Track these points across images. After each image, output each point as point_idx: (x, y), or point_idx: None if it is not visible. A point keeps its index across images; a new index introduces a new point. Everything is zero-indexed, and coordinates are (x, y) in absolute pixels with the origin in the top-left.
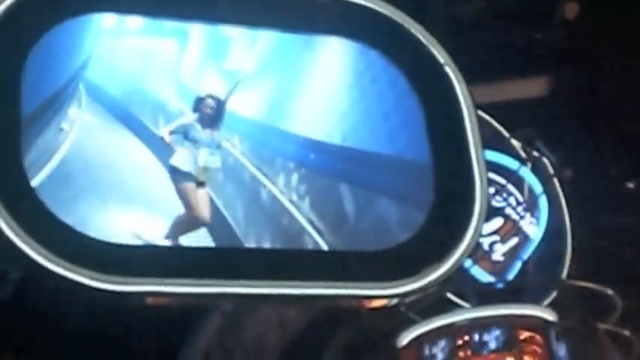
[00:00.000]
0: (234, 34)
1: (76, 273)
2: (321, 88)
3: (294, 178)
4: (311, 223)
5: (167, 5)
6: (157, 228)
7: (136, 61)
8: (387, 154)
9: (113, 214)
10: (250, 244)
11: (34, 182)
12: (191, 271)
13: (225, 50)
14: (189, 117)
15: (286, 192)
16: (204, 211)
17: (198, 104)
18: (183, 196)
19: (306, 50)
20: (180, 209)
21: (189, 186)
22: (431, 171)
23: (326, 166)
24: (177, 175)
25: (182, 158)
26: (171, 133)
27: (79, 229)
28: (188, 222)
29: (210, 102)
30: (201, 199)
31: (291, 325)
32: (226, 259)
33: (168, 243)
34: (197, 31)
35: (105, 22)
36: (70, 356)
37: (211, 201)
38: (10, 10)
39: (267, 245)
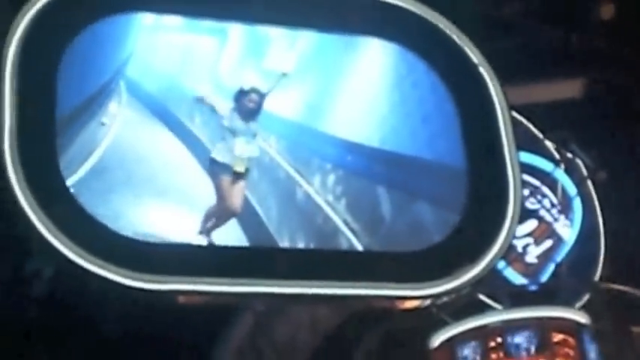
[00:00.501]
0: (274, 33)
1: (110, 271)
2: (360, 90)
3: (331, 179)
4: (346, 223)
5: (206, 5)
6: (189, 222)
7: (174, 58)
8: (425, 157)
9: (146, 207)
10: (283, 242)
11: (73, 178)
12: (224, 270)
13: (264, 49)
14: (226, 105)
15: (322, 192)
16: (237, 202)
17: (240, 97)
18: (219, 188)
19: (346, 52)
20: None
21: (226, 179)
22: (465, 173)
23: (363, 168)
24: (215, 167)
25: (221, 151)
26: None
27: (112, 222)
28: (219, 213)
29: (254, 96)
30: (236, 191)
31: (323, 326)
32: (260, 259)
33: (202, 239)
34: (236, 29)
35: (145, 19)
36: (102, 353)
37: (246, 198)
38: (44, 10)
39: (300, 244)
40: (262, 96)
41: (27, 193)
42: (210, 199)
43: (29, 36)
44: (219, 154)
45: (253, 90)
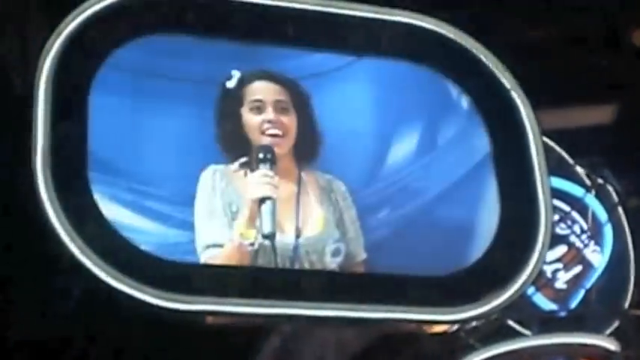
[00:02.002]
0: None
1: (139, 290)
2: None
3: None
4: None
5: (235, 28)
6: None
7: None
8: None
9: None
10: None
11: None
12: (252, 291)
13: None
14: None
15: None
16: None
17: None
18: None
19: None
20: None
21: None
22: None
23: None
24: None
25: None
26: None
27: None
28: None
29: None
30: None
31: (349, 349)
32: (287, 280)
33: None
34: None
35: None
36: None
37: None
38: (80, 28)
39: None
40: None
41: (58, 212)
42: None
43: (64, 55)
44: None
45: None
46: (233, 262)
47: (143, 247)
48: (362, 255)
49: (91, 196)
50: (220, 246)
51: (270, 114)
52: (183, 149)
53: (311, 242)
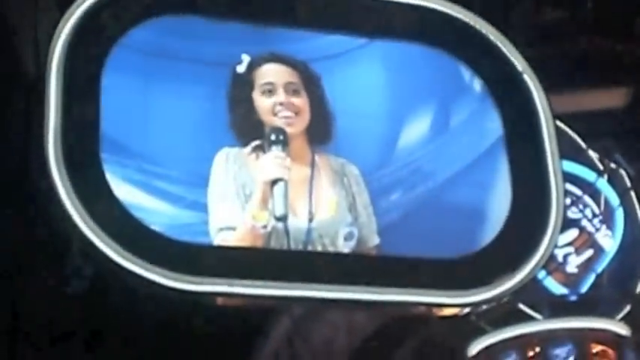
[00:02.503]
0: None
1: (149, 271)
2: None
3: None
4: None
5: (248, 10)
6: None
7: None
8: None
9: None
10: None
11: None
12: (263, 272)
13: None
14: None
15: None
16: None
17: None
18: None
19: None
20: None
21: None
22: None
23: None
24: None
25: None
26: None
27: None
28: None
29: None
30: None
31: (360, 331)
32: (298, 262)
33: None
34: None
35: None
36: (140, 353)
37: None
38: (91, 11)
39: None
40: None
41: (70, 192)
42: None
43: (75, 37)
44: None
45: None
46: (246, 244)
47: (154, 228)
48: (375, 240)
49: (103, 177)
50: (233, 229)
51: (281, 96)
52: (195, 130)
53: (324, 226)
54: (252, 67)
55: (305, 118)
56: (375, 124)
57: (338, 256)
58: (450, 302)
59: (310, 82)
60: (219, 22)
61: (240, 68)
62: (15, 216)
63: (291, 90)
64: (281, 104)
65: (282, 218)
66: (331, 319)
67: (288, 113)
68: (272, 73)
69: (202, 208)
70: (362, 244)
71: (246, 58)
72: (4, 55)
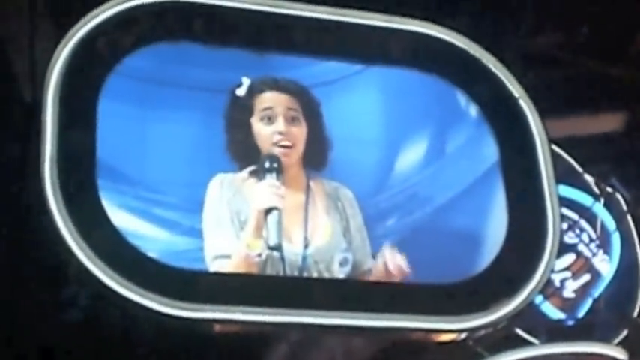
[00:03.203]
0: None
1: (147, 298)
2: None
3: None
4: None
5: (243, 36)
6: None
7: None
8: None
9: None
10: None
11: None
12: (260, 299)
13: None
14: None
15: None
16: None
17: None
18: None
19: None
20: None
21: None
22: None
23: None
24: None
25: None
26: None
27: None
28: None
29: None
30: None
31: (357, 357)
32: (295, 288)
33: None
34: None
35: None
36: None
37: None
38: (88, 38)
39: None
40: None
41: (66, 218)
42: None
43: (72, 63)
44: None
45: None
46: (241, 272)
47: (150, 254)
48: (368, 263)
49: (99, 204)
50: (228, 256)
51: (280, 125)
52: (191, 157)
53: (319, 252)
54: (252, 92)
55: (300, 148)
56: (371, 149)
57: (335, 282)
58: (447, 327)
59: (310, 109)
60: (216, 48)
61: (240, 91)
62: (10, 242)
63: (290, 118)
64: (280, 133)
65: (276, 247)
66: (328, 345)
67: (287, 143)
68: (272, 100)
69: (198, 234)
70: (356, 268)
71: (246, 81)
72: (0, 82)
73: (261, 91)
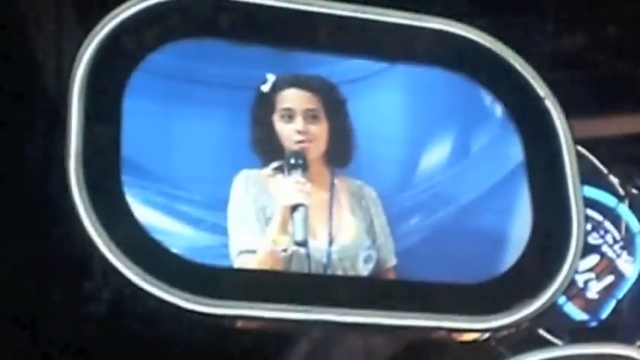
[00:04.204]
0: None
1: (169, 293)
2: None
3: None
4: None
5: (268, 33)
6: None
7: None
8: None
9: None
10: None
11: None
12: (283, 295)
13: None
14: None
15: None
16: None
17: None
18: None
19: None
20: None
21: None
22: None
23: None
24: None
25: None
26: None
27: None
28: None
29: None
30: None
31: (378, 355)
32: (319, 285)
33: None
34: None
35: None
36: None
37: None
38: (114, 32)
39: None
40: None
41: (91, 213)
42: None
43: (97, 59)
44: None
45: None
46: (266, 268)
47: (174, 250)
48: (392, 261)
49: (124, 199)
50: (253, 252)
51: (299, 124)
52: (216, 153)
53: (344, 249)
54: (275, 88)
55: (321, 144)
56: (395, 148)
57: (357, 280)
58: (470, 327)
59: (333, 107)
60: (240, 45)
61: (265, 88)
62: (35, 239)
63: (309, 117)
64: (298, 132)
65: (302, 243)
66: (350, 342)
67: (304, 138)
68: (292, 98)
69: (222, 230)
70: (379, 266)
71: (271, 78)
72: (26, 78)
73: (283, 88)
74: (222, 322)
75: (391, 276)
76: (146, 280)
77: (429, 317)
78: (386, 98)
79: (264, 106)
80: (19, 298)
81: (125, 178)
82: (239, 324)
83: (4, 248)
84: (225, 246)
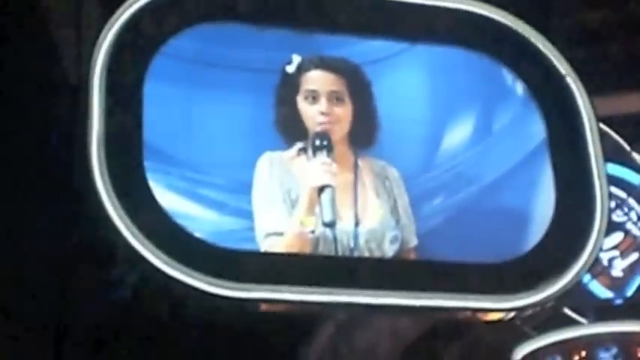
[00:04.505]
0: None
1: (192, 277)
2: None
3: None
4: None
5: (288, 16)
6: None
7: None
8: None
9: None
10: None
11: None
12: (307, 278)
13: None
14: None
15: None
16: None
17: None
18: None
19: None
20: None
21: None
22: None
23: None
24: None
25: None
26: None
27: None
28: None
29: None
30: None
31: (404, 335)
32: (343, 268)
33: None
34: None
35: None
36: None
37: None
38: (135, 17)
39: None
40: None
41: (113, 199)
42: None
43: (118, 44)
44: None
45: None
46: (294, 249)
47: (197, 235)
48: (414, 241)
49: (146, 184)
50: (281, 234)
51: (323, 105)
52: (238, 137)
53: (370, 230)
54: (300, 70)
55: (344, 126)
56: (417, 128)
57: (381, 262)
58: (495, 307)
59: (358, 88)
60: (261, 28)
61: (290, 69)
62: (58, 224)
63: (334, 98)
64: (322, 113)
65: (331, 224)
66: (374, 324)
67: (327, 120)
68: (317, 80)
69: (245, 214)
70: (402, 246)
71: (296, 59)
72: (47, 63)
73: (308, 69)
74: (246, 306)
75: (412, 256)
76: (170, 265)
77: (454, 297)
78: (407, 79)
79: (288, 87)
80: (44, 284)
81: (147, 164)
82: (263, 307)
83: (28, 236)
84: (249, 229)
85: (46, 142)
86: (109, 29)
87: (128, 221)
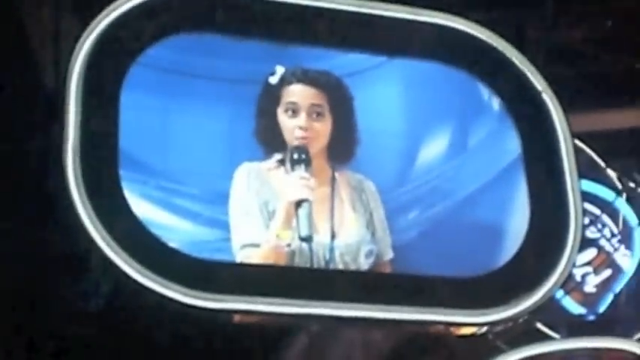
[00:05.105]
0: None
1: (166, 287)
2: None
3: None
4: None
5: (266, 27)
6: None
7: None
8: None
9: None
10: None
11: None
12: (281, 290)
13: None
14: None
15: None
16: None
17: None
18: None
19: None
20: None
21: None
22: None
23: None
24: None
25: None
26: None
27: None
28: None
29: None
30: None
31: (377, 349)
32: (318, 280)
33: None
34: None
35: None
36: None
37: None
38: (111, 27)
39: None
40: None
41: (88, 208)
42: None
43: (95, 53)
44: None
45: None
46: (270, 262)
47: (172, 245)
48: (389, 254)
49: (121, 194)
50: (257, 246)
51: (302, 120)
52: (214, 148)
53: (346, 244)
54: (282, 82)
55: (323, 140)
56: (394, 141)
57: (356, 274)
58: (468, 321)
59: (339, 103)
60: (238, 39)
61: (273, 80)
62: (32, 233)
63: (314, 113)
64: (301, 128)
65: (307, 239)
66: (347, 336)
67: (306, 135)
68: (298, 93)
69: (221, 224)
70: (378, 259)
71: (280, 70)
72: (24, 72)
73: (290, 82)
74: (220, 317)
75: (388, 270)
76: (144, 275)
77: (427, 311)
78: (384, 92)
79: (270, 98)
80: (17, 292)
81: (123, 173)
82: (237, 318)
83: (1, 244)
84: (224, 240)
85: (21, 151)
86: (86, 38)
87: (103, 230)
